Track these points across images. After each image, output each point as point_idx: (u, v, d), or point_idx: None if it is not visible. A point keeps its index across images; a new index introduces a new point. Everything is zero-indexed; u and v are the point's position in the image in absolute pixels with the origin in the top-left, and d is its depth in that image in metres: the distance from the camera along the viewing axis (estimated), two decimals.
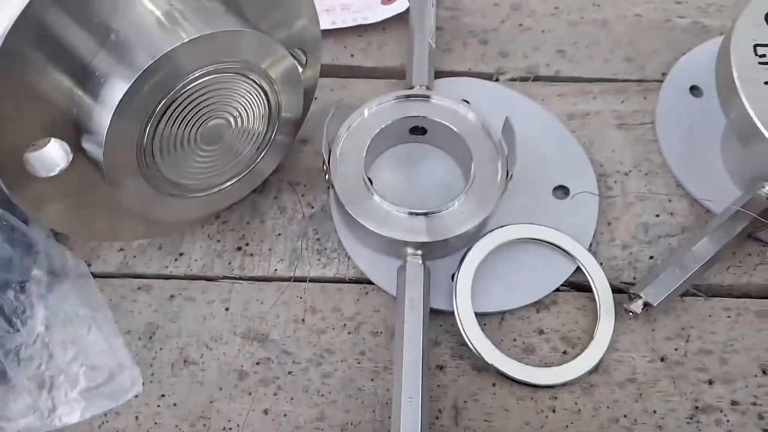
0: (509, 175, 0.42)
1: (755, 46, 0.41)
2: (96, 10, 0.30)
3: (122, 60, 0.30)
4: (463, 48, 0.54)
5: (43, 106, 0.31)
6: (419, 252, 0.41)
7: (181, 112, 0.33)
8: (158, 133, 0.33)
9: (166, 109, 0.33)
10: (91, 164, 0.34)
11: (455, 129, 0.45)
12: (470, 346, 0.40)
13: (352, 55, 0.54)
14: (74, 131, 0.33)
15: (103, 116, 0.31)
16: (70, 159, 0.33)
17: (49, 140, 0.33)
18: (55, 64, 0.30)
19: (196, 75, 0.32)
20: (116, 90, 0.30)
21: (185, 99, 0.33)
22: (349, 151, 0.44)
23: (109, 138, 0.31)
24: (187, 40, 0.30)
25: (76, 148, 0.33)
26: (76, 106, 0.32)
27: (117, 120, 0.30)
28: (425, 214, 0.42)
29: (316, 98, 0.47)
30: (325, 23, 0.54)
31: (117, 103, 0.30)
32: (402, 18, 0.54)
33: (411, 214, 0.42)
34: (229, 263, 0.44)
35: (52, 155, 0.33)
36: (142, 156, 0.33)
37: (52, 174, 0.33)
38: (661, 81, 0.52)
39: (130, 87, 0.30)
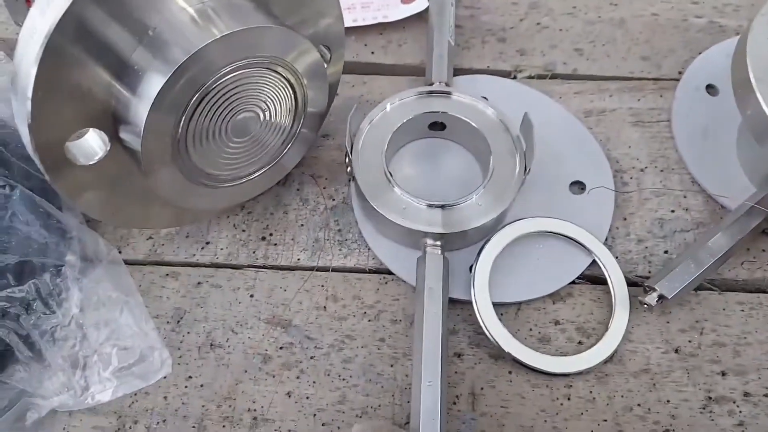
0: (527, 169, 0.43)
1: None
2: (134, 8, 0.32)
3: (159, 55, 0.32)
4: (482, 46, 0.55)
5: (84, 99, 0.33)
6: (438, 243, 0.42)
7: (213, 104, 0.35)
8: (192, 124, 0.35)
9: (200, 102, 0.34)
10: (127, 154, 0.35)
11: (474, 124, 0.46)
12: (488, 334, 0.41)
13: (372, 53, 0.55)
14: (112, 122, 0.34)
15: (141, 108, 0.32)
16: (108, 148, 0.35)
17: (88, 130, 0.34)
18: (96, 60, 0.32)
19: (228, 70, 0.34)
20: (153, 84, 0.32)
21: (217, 92, 0.35)
22: (370, 145, 0.45)
23: (146, 129, 0.32)
24: (219, 36, 0.32)
25: (113, 138, 0.35)
26: (115, 98, 0.33)
27: (154, 112, 0.32)
28: (443, 206, 0.43)
29: (337, 94, 0.48)
30: (346, 21, 0.55)
31: (154, 96, 0.31)
32: (422, 16, 0.56)
33: (430, 206, 0.43)
34: (254, 252, 0.46)
35: (91, 144, 0.35)
36: (176, 146, 0.35)
37: (91, 162, 0.35)
38: (677, 80, 0.53)
39: (166, 81, 0.31)
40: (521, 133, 0.44)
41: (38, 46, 0.29)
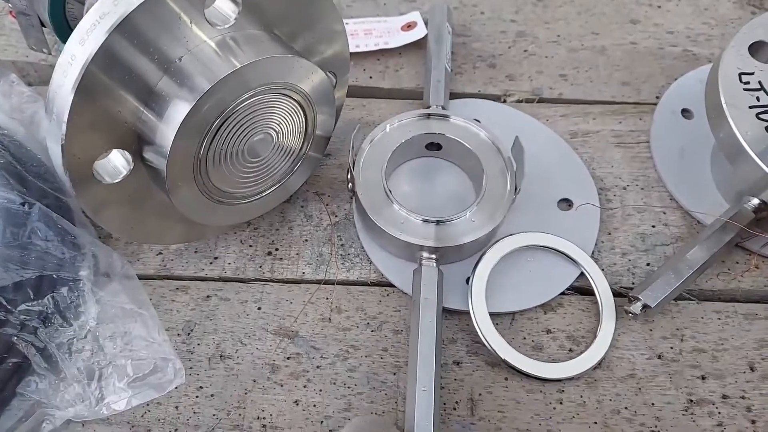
0: (517, 189, 0.46)
1: (740, 74, 0.46)
2: (160, 41, 0.34)
3: (184, 84, 0.35)
4: (473, 71, 0.59)
5: (113, 123, 0.35)
6: (433, 256, 0.45)
7: (232, 128, 0.37)
8: (212, 146, 0.37)
9: (220, 126, 0.37)
10: (148, 172, 0.38)
11: (469, 146, 0.49)
12: (485, 342, 0.44)
13: (370, 77, 0.58)
14: (136, 143, 0.36)
15: (167, 132, 0.34)
16: (131, 168, 0.37)
17: (113, 150, 0.36)
18: (125, 88, 0.34)
19: (246, 96, 0.36)
20: (179, 110, 0.34)
21: (236, 117, 0.37)
22: (371, 163, 0.48)
23: (172, 150, 0.35)
24: (239, 66, 0.34)
25: (136, 158, 0.37)
26: (141, 122, 0.36)
27: (180, 136, 0.34)
28: (438, 222, 0.46)
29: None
30: (350, 47, 0.58)
31: (180, 121, 0.34)
32: (418, 44, 0.59)
33: (425, 221, 0.46)
34: (260, 266, 0.48)
35: (116, 164, 0.37)
36: (197, 167, 0.37)
37: (116, 181, 0.37)
38: (655, 104, 0.56)
39: (192, 107, 0.34)
40: (512, 154, 0.48)
41: (76, 73, 0.31)
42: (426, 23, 0.59)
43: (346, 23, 0.60)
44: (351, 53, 0.58)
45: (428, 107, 0.52)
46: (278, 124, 0.40)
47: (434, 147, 0.51)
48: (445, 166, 0.52)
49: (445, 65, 0.54)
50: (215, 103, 0.35)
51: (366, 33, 0.59)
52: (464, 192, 0.51)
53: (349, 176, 0.46)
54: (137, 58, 0.34)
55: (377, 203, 0.46)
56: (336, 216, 0.51)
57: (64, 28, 0.48)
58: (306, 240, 0.49)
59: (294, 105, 0.40)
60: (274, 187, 0.44)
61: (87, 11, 0.33)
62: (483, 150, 0.49)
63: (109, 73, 0.33)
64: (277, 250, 0.49)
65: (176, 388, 0.43)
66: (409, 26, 0.59)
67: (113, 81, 0.33)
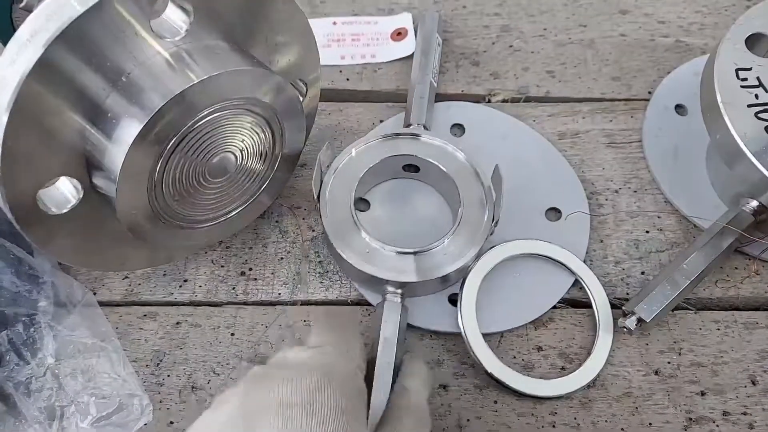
0: (495, 220, 0.43)
1: (737, 70, 0.43)
2: (108, 52, 0.31)
3: (135, 101, 0.31)
4: (455, 70, 0.56)
5: (57, 146, 0.32)
6: (399, 291, 0.41)
7: (189, 148, 0.34)
8: (168, 168, 0.34)
9: (176, 146, 0.33)
10: (101, 199, 0.35)
11: (444, 169, 0.45)
12: (478, 362, 0.41)
13: (347, 79, 0.55)
14: (85, 168, 0.33)
15: (116, 154, 0.31)
16: (81, 196, 0.34)
17: (60, 178, 0.33)
18: (69, 106, 0.31)
19: (205, 113, 0.33)
20: (129, 129, 0.31)
21: (194, 136, 0.34)
22: (339, 187, 0.45)
23: (122, 175, 0.32)
24: (196, 81, 0.31)
25: (87, 185, 0.34)
26: (89, 144, 0.33)
27: (130, 158, 0.31)
28: (406, 253, 0.42)
29: (314, 122, 0.48)
30: (335, 57, 0.55)
31: (131, 142, 0.31)
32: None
33: (398, 252, 0.42)
34: (233, 288, 0.45)
35: (63, 192, 0.34)
36: (152, 191, 0.34)
37: (64, 211, 0.34)
38: (647, 99, 0.54)
39: (143, 127, 0.31)
40: (492, 183, 0.44)
41: (8, 95, 0.28)
42: (416, 30, 0.56)
43: (333, 23, 0.57)
44: (335, 65, 0.55)
45: (409, 125, 0.48)
46: (241, 142, 0.37)
47: (412, 168, 0.48)
48: (424, 189, 0.48)
49: (430, 80, 0.50)
50: (169, 121, 0.32)
51: (354, 39, 0.56)
52: (440, 217, 0.47)
53: (316, 198, 0.43)
54: (82, 72, 0.30)
55: (344, 229, 0.43)
56: (313, 231, 0.48)
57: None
58: (281, 258, 0.47)
59: (258, 120, 0.37)
60: (241, 208, 0.41)
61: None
62: (460, 173, 0.45)
63: (49, 91, 0.30)
64: (250, 270, 0.46)
65: (145, 425, 0.40)
66: (399, 33, 0.56)
67: (54, 99, 0.30)
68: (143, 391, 0.40)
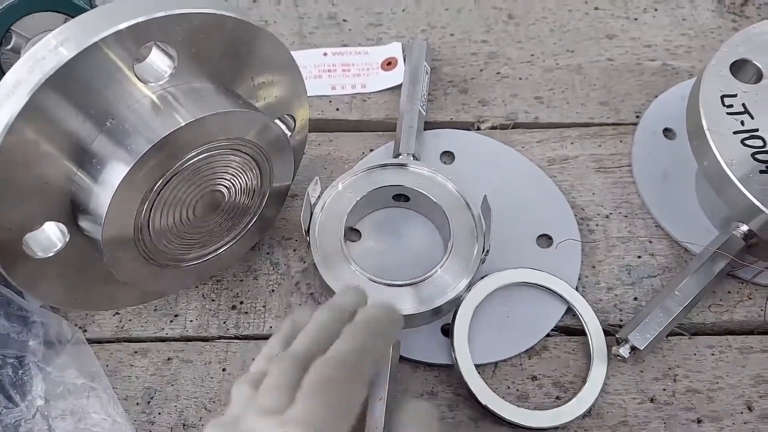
0: (485, 250, 0.43)
1: (722, 96, 0.43)
2: (94, 96, 0.31)
3: (121, 144, 0.32)
4: (444, 97, 0.56)
5: (43, 189, 0.32)
6: None
7: (176, 190, 0.34)
8: (155, 211, 0.34)
9: (162, 189, 0.33)
10: (88, 242, 0.34)
11: (434, 198, 0.45)
12: (472, 394, 0.41)
13: (337, 109, 0.55)
14: (71, 211, 0.33)
15: (102, 197, 0.31)
16: (67, 240, 0.34)
17: (47, 222, 0.33)
18: (55, 149, 0.31)
19: (191, 155, 0.34)
20: (116, 173, 0.31)
21: (181, 178, 0.34)
22: (328, 221, 0.45)
23: (108, 218, 0.32)
24: (183, 124, 0.32)
25: (73, 227, 0.34)
26: (75, 186, 0.33)
27: (116, 201, 0.31)
28: (396, 285, 0.42)
29: (305, 153, 0.48)
30: (325, 87, 0.56)
31: (117, 185, 0.31)
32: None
33: (387, 285, 0.42)
34: (225, 322, 0.45)
35: (49, 236, 0.34)
36: (138, 233, 0.34)
37: (49, 255, 0.34)
38: (636, 124, 0.54)
39: (129, 170, 0.31)
40: (482, 213, 0.44)
41: None
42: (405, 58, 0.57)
43: (324, 53, 0.57)
44: (325, 96, 0.55)
45: (398, 155, 0.48)
46: (228, 182, 0.37)
47: (402, 198, 0.48)
48: (415, 218, 0.48)
49: (419, 108, 0.51)
50: (156, 164, 0.32)
51: (344, 69, 0.56)
52: (431, 247, 0.47)
53: (306, 234, 0.43)
54: (68, 115, 0.30)
55: (334, 262, 0.43)
56: (304, 262, 0.48)
57: None
58: (273, 290, 0.46)
59: (245, 158, 0.37)
60: (230, 244, 0.41)
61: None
62: (450, 203, 0.45)
63: (35, 133, 0.30)
64: (241, 303, 0.46)
65: None
66: (389, 63, 0.57)
67: (40, 142, 0.30)
68: (134, 431, 0.40)
